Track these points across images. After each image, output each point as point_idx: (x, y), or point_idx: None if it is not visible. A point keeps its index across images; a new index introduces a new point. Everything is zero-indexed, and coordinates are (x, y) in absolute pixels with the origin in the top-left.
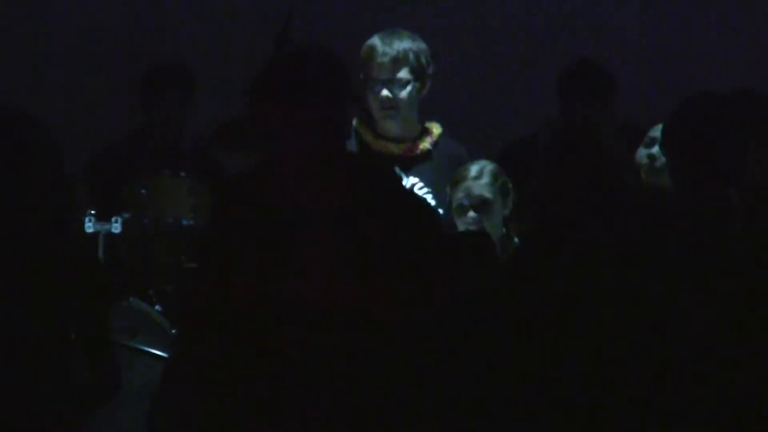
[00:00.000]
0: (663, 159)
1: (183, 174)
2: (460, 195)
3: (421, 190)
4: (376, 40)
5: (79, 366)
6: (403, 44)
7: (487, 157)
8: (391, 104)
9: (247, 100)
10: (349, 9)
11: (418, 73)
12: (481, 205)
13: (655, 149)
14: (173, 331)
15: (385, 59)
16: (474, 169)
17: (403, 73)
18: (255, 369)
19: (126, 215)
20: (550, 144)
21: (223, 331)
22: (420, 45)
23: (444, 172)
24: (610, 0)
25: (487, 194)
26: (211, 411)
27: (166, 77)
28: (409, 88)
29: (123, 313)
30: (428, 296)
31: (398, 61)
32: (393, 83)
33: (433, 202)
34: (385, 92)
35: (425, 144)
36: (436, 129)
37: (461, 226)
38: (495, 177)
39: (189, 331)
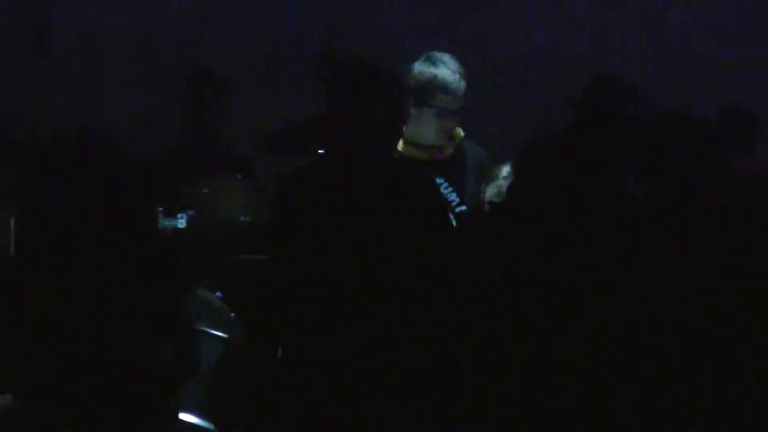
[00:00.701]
0: None
1: (239, 176)
2: (493, 191)
3: (446, 189)
4: (446, 73)
5: (165, 347)
6: (464, 81)
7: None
8: (452, 132)
9: (312, 112)
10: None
11: None
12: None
13: None
14: (232, 315)
15: (457, 95)
16: (505, 170)
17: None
18: (316, 343)
19: (190, 212)
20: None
21: (290, 310)
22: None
23: (466, 172)
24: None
25: (503, 181)
26: (268, 386)
27: (216, 90)
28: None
29: (189, 299)
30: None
31: (462, 98)
32: (457, 114)
33: (456, 200)
34: (452, 122)
35: (449, 149)
36: (458, 133)
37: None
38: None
39: (257, 315)
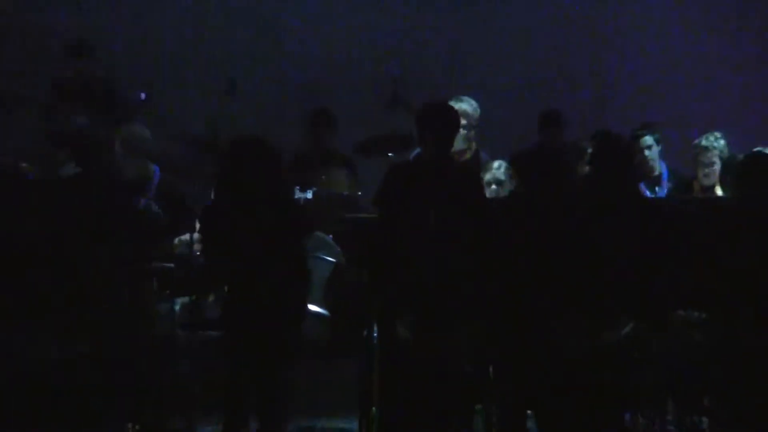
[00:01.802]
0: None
1: (343, 168)
2: (488, 177)
3: None
4: (466, 107)
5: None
6: (478, 112)
7: (502, 159)
8: (471, 143)
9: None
10: None
11: None
12: (498, 183)
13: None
14: (337, 249)
15: (472, 120)
16: (496, 164)
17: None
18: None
19: (314, 189)
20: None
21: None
22: None
23: (478, 167)
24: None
25: (501, 177)
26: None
27: (325, 118)
28: None
29: (312, 238)
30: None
31: (476, 122)
32: (473, 132)
33: None
34: (471, 137)
35: (468, 155)
36: (473, 145)
37: (489, 194)
38: (506, 169)
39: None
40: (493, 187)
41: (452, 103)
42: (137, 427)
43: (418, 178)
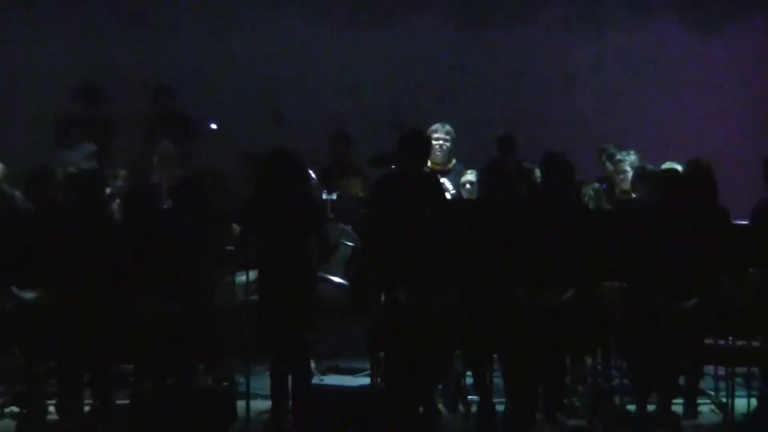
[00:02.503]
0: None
1: (359, 176)
2: (464, 179)
3: (448, 184)
4: (444, 128)
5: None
6: (453, 134)
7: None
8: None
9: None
10: None
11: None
12: (471, 184)
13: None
14: (355, 236)
15: (449, 139)
16: (469, 171)
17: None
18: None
19: (338, 192)
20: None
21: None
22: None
23: (457, 178)
24: None
25: (473, 179)
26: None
27: (344, 139)
28: None
29: (336, 228)
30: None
31: (451, 141)
32: (449, 149)
33: (451, 189)
34: (448, 153)
35: (449, 166)
36: (452, 159)
37: (465, 195)
38: (476, 175)
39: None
40: (467, 186)
41: (439, 126)
42: (210, 372)
43: (402, 184)
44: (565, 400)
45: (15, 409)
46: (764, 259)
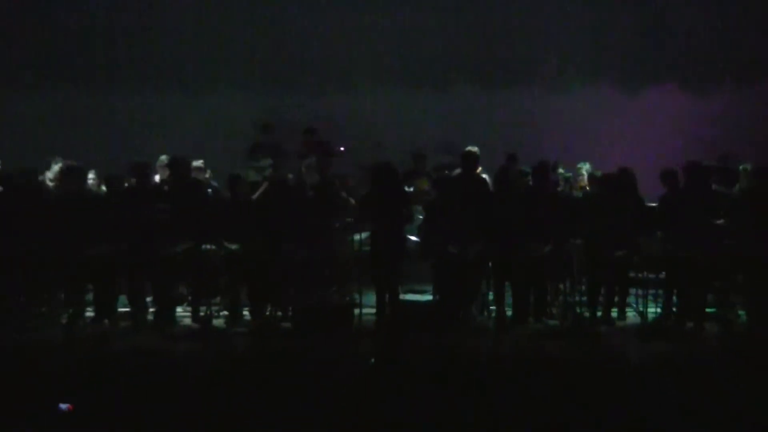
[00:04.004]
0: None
1: (426, 178)
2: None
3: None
4: (476, 150)
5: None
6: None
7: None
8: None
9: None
10: None
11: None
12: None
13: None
14: (423, 213)
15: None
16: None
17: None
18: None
19: (414, 187)
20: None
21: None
22: None
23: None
24: None
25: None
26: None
27: (421, 156)
28: None
29: (413, 208)
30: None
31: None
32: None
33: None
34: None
35: (479, 174)
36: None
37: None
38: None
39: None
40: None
41: (469, 149)
42: (338, 292)
43: (460, 182)
44: (547, 310)
45: (225, 313)
46: (664, 225)
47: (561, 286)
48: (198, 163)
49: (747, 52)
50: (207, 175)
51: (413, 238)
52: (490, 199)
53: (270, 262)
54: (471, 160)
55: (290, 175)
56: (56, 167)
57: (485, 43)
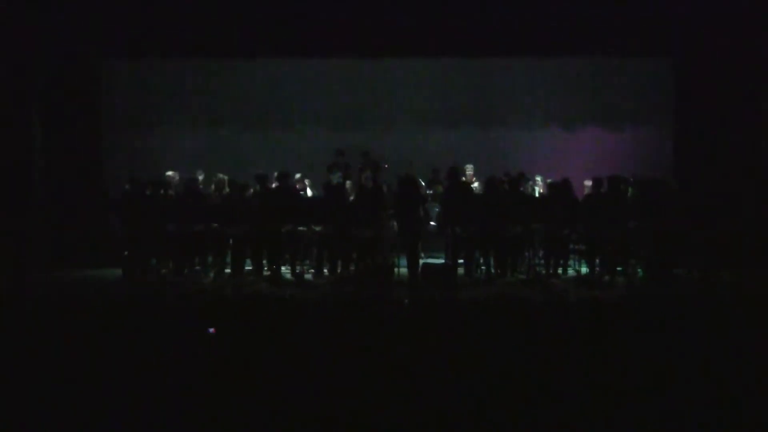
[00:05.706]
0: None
1: (440, 185)
2: (474, 185)
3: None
4: (469, 166)
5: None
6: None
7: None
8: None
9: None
10: None
11: None
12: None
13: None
14: (437, 207)
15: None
16: (477, 180)
17: None
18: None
19: (432, 190)
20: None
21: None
22: None
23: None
24: None
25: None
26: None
27: (436, 171)
28: None
29: (431, 204)
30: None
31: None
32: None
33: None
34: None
35: (474, 180)
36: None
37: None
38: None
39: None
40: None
41: (470, 165)
42: (381, 256)
43: (459, 187)
44: (518, 269)
45: (312, 270)
46: (590, 215)
47: (527, 253)
48: (298, 176)
49: (644, 104)
50: (306, 183)
51: (432, 223)
52: (474, 198)
53: (344, 237)
54: (456, 173)
55: (348, 182)
56: (201, 177)
57: (481, 94)
